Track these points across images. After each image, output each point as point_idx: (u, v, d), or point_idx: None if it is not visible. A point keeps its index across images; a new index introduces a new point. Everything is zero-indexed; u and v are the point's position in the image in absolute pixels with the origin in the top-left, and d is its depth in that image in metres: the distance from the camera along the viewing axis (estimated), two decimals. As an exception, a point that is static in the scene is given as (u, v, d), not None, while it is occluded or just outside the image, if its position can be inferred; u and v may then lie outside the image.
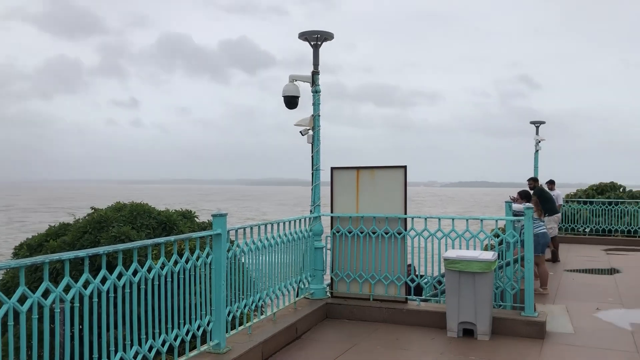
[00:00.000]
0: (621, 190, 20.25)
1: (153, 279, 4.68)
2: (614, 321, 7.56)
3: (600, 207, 17.86)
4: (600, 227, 17.67)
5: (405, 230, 7.49)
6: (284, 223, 6.92)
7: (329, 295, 7.86)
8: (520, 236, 7.05)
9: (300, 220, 7.31)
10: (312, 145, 7.82)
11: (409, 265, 7.65)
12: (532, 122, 17.54)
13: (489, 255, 6.60)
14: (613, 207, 17.72)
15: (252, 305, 6.20)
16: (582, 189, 21.02)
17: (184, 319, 5.02)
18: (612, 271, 11.88)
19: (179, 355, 4.97)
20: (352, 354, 6.04)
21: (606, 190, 20.12)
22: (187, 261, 5.09)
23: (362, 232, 7.67)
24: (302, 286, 7.59)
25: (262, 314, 6.57)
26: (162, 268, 4.78)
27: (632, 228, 17.33)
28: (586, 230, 17.98)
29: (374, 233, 7.59)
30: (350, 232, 7.74)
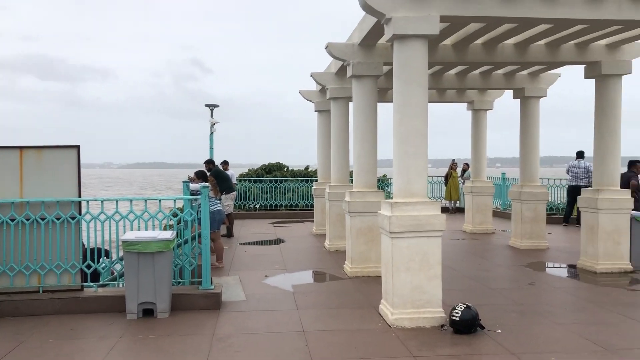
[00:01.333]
0: (285, 169, 22.77)
1: None
2: (279, 285, 8.54)
3: (269, 184, 19.82)
4: (269, 202, 19.63)
5: (80, 214, 7.05)
6: None
7: (-12, 292, 6.90)
8: (197, 214, 7.35)
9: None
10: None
11: (87, 250, 7.26)
12: (207, 105, 18.30)
13: (168, 234, 6.71)
14: (279, 184, 19.85)
15: None
16: (254, 169, 22.93)
17: None
18: (278, 241, 13.35)
19: None
20: (18, 353, 5.45)
21: (273, 170, 22.35)
22: None
23: (28, 219, 6.93)
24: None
25: None
26: None
27: (294, 202, 19.71)
28: (257, 206, 19.74)
29: (43, 219, 6.94)
30: (13, 220, 6.91)
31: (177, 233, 7.23)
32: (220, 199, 10.27)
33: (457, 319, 6.01)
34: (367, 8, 6.32)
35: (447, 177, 20.15)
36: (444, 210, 19.82)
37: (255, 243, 13.17)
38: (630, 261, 9.44)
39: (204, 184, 7.79)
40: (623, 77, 9.36)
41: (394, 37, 6.28)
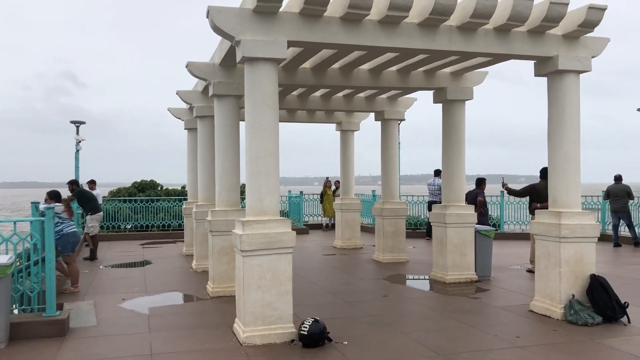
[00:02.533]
0: (159, 188, 22.15)
1: None
2: (136, 308, 8.28)
3: (140, 204, 19.16)
4: (140, 222, 18.95)
5: None
6: None
7: None
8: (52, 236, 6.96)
9: None
10: None
11: None
12: (72, 122, 17.41)
13: (4, 259, 6.29)
14: (151, 204, 19.26)
15: None
16: (125, 187, 22.07)
17: None
18: (144, 263, 12.93)
19: None
20: None
21: (147, 188, 21.67)
22: None
23: None
24: None
25: None
26: None
27: (166, 222, 19.21)
28: (127, 226, 18.99)
29: None
30: None
31: (22, 256, 6.80)
32: (73, 220, 9.79)
33: (305, 333, 6.20)
34: (217, 30, 6.42)
35: (322, 195, 20.69)
36: (320, 227, 20.56)
37: (120, 265, 12.67)
38: (475, 271, 10.24)
39: (48, 205, 7.40)
40: (466, 102, 10.25)
41: (243, 59, 6.43)
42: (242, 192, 12.00)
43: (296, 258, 12.30)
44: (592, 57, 7.69)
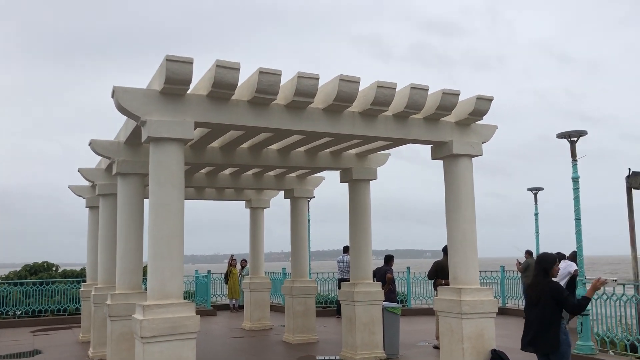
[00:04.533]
0: (54, 269, 20.75)
1: None
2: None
3: (32, 287, 17.80)
4: (32, 308, 17.53)
5: None
6: None
7: None
8: None
9: None
10: None
11: None
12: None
13: None
14: (45, 287, 17.94)
15: None
16: (15, 271, 20.50)
17: None
18: (33, 353, 11.87)
19: None
20: None
21: (40, 271, 20.23)
22: None
23: None
24: None
25: None
26: None
27: (62, 307, 17.89)
28: (17, 312, 17.49)
29: None
30: None
31: None
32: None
33: None
34: (122, 110, 6.38)
35: (227, 275, 20.14)
36: (226, 308, 19.91)
37: (5, 357, 11.54)
38: (383, 349, 10.27)
39: None
40: (371, 182, 10.64)
41: (149, 138, 6.39)
42: (145, 274, 11.52)
43: (201, 342, 11.84)
44: (483, 142, 8.33)
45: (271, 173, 12.66)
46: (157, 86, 6.39)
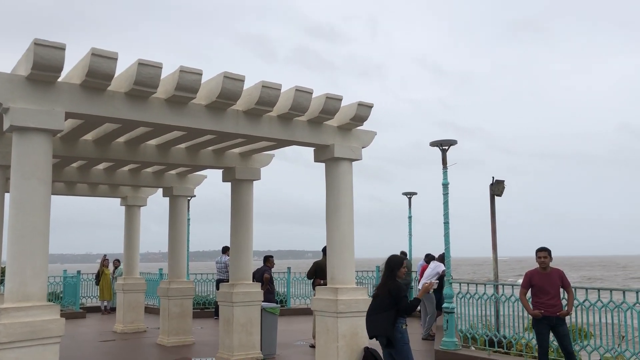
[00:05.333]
0: None
1: None
2: None
3: None
4: None
5: None
6: None
7: None
8: None
9: None
10: None
11: None
12: None
13: None
14: None
15: None
16: None
17: None
18: None
19: None
20: None
21: None
22: None
23: None
24: None
25: None
26: None
27: None
28: None
29: None
30: None
31: None
32: None
33: None
34: (-18, 94, 5.81)
35: (98, 275, 19.11)
36: (97, 310, 18.87)
37: None
38: (260, 350, 10.26)
39: None
40: (254, 182, 10.59)
41: (12, 128, 5.89)
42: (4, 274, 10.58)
43: (68, 346, 11.11)
44: (363, 147, 8.62)
45: (149, 169, 12.17)
46: (23, 71, 5.89)
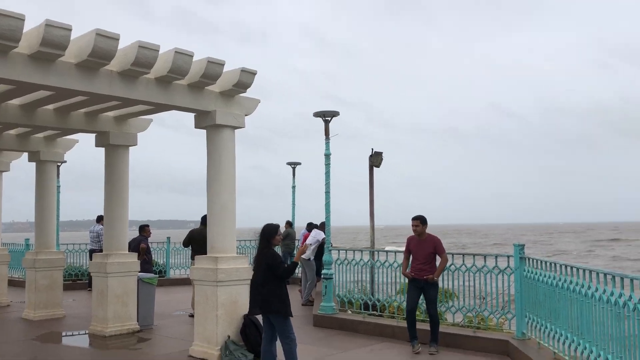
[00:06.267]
0: None
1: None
2: None
3: None
4: None
5: None
6: None
7: None
8: None
9: None
10: None
11: None
12: None
13: None
14: None
15: None
16: None
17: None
18: None
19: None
20: None
21: None
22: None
23: None
24: None
25: None
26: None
27: None
28: None
29: None
30: None
31: None
32: None
33: None
34: None
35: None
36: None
37: None
38: (137, 321, 9.96)
39: None
40: (130, 148, 10.10)
41: None
42: None
43: None
44: (246, 114, 8.49)
45: (12, 132, 11.16)
46: None
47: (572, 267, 6.39)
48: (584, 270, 6.09)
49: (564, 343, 6.54)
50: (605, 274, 5.59)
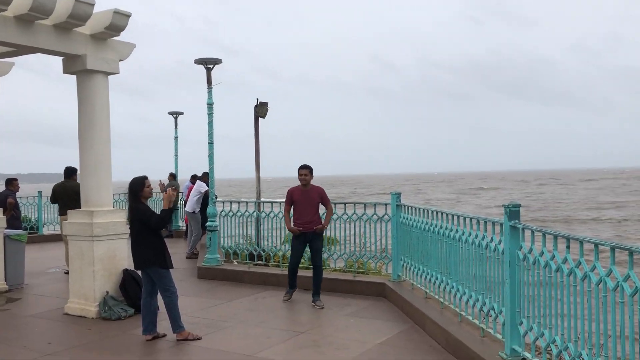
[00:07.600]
0: None
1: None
2: None
3: None
4: None
5: None
6: None
7: None
8: None
9: None
10: None
11: None
12: None
13: None
14: None
15: None
16: None
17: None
18: None
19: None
20: None
21: None
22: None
23: None
24: None
25: None
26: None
27: None
28: None
29: None
30: None
31: None
32: None
33: None
34: None
35: None
36: None
37: None
38: (5, 281, 9.32)
39: None
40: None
41: None
42: None
43: None
44: (120, 60, 7.99)
45: None
46: None
47: (442, 213, 6.81)
48: (452, 216, 6.52)
49: (434, 283, 7.03)
50: (470, 219, 6.02)
